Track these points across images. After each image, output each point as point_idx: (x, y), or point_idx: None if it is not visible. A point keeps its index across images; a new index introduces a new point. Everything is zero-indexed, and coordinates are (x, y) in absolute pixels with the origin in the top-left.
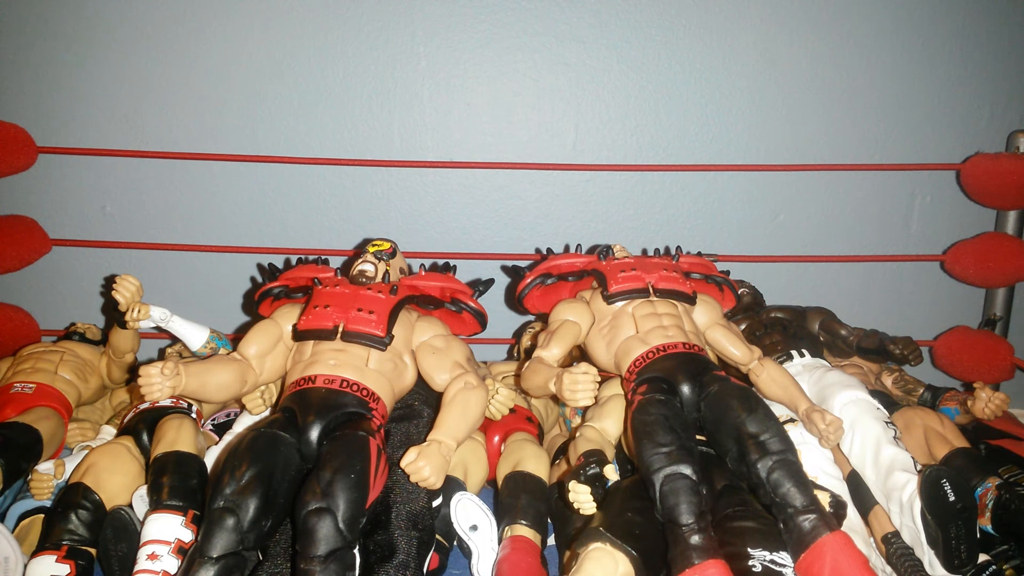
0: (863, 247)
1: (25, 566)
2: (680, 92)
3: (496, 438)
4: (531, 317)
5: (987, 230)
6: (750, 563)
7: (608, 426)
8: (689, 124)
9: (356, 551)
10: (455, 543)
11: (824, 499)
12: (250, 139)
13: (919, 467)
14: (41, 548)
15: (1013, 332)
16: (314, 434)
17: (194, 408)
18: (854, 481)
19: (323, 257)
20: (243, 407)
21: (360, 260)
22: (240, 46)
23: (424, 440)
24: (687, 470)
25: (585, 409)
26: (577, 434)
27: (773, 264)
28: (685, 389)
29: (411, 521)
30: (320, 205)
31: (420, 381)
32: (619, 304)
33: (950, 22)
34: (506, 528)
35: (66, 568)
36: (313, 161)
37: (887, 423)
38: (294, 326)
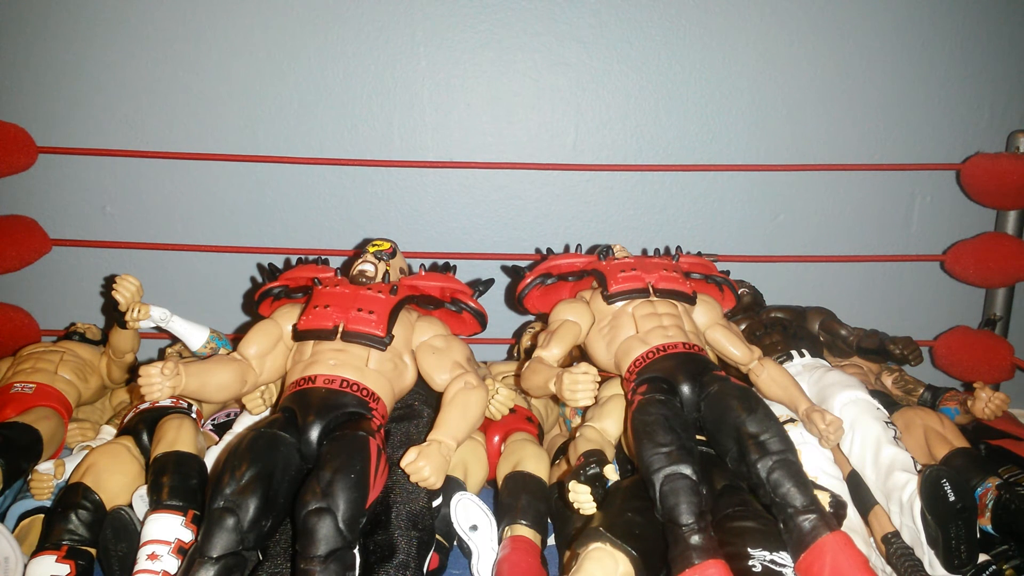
0: (863, 247)
1: (25, 566)
2: (680, 92)
3: (496, 438)
4: (531, 317)
5: (987, 230)
6: (750, 563)
7: (608, 426)
8: (689, 124)
9: (356, 551)
10: (455, 543)
11: (824, 499)
12: (250, 139)
13: (919, 467)
14: (41, 548)
15: (1013, 332)
16: (314, 434)
17: (194, 408)
18: (854, 481)
19: (323, 257)
20: (243, 407)
21: (360, 260)
22: (240, 46)
23: (424, 440)
24: (687, 470)
25: (585, 409)
26: (577, 434)
27: (773, 264)
28: (685, 389)
29: (411, 521)
30: (320, 205)
31: (420, 381)
32: (619, 304)
33: (950, 22)
34: (506, 528)
35: (66, 568)
36: (313, 161)
37: (887, 423)
38: (294, 326)
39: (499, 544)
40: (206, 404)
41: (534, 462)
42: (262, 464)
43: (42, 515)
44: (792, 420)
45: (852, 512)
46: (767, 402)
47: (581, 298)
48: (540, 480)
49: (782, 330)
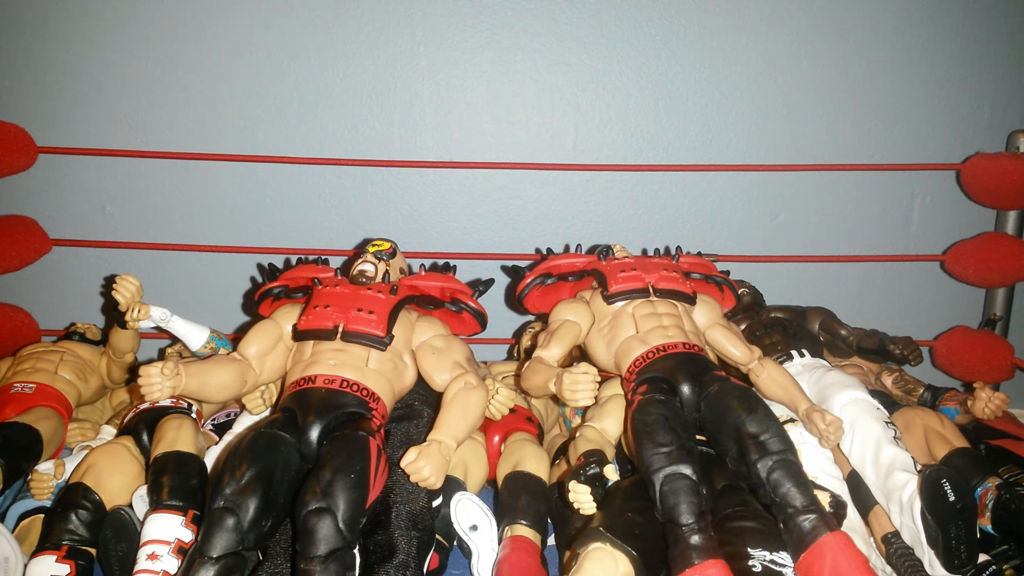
0: (863, 247)
1: (25, 566)
2: (680, 92)
3: (496, 438)
4: (531, 317)
5: (987, 230)
6: (750, 563)
7: (608, 426)
8: (689, 124)
9: (356, 551)
10: (455, 543)
11: (824, 499)
12: (250, 139)
13: (919, 467)
14: (41, 548)
15: (1013, 332)
16: (314, 434)
17: (194, 408)
18: (854, 481)
19: (323, 257)
20: (243, 407)
21: (360, 260)
22: (240, 46)
23: (424, 440)
24: (687, 470)
25: (585, 409)
26: (577, 434)
27: (773, 264)
28: (685, 389)
29: (411, 521)
30: (320, 205)
31: (420, 381)
32: (619, 304)
33: (950, 22)
34: (506, 528)
35: (66, 568)
36: (313, 161)
37: (887, 423)
38: (294, 326)
39: (499, 544)
40: (206, 404)
41: (534, 462)
42: (262, 464)
43: (42, 515)
44: (792, 420)
45: (852, 512)
46: (767, 402)
47: (581, 298)
48: (540, 480)
49: (782, 330)
